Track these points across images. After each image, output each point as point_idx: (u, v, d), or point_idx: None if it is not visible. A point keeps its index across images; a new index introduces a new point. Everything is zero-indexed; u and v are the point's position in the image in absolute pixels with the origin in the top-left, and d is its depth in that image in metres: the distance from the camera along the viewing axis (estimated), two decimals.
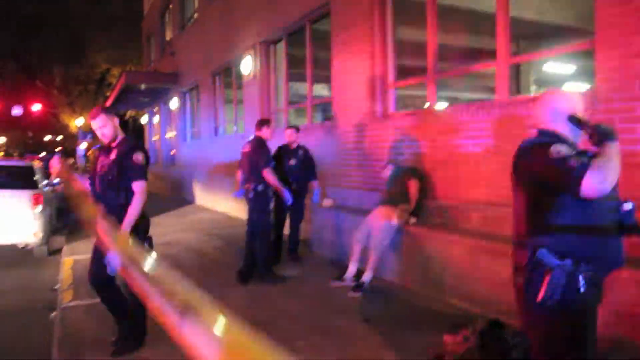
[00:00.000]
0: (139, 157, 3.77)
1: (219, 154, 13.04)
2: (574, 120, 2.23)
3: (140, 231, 3.81)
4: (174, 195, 17.06)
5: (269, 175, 5.91)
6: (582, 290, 2.10)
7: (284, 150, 6.87)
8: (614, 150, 2.07)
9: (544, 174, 2.16)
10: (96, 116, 3.81)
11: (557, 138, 2.24)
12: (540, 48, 10.26)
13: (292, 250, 6.96)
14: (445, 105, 8.42)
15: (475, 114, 5.30)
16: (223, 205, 12.46)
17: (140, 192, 3.74)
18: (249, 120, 10.98)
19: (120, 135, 3.94)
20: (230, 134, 12.98)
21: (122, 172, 3.74)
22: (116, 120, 3.90)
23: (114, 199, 3.72)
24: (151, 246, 3.99)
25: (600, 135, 2.12)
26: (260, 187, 5.93)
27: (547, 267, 2.15)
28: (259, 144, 6.06)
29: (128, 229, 3.60)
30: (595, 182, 1.97)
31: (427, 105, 6.19)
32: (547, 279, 2.13)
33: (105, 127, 3.82)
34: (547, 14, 8.88)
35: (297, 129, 6.96)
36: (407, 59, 9.55)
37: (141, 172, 3.78)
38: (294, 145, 6.89)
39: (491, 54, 5.31)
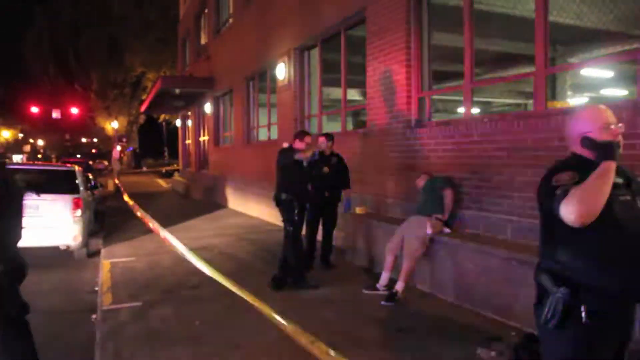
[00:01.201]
0: None
1: (251, 158, 13.17)
2: (586, 144, 2.13)
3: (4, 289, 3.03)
4: (206, 199, 17.30)
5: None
6: (585, 321, 2.01)
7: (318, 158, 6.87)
8: (597, 172, 1.96)
9: (541, 200, 2.16)
10: None
11: (582, 162, 2.12)
12: (577, 53, 10.10)
13: (325, 257, 6.99)
14: (480, 112, 8.31)
15: (511, 123, 5.24)
16: (256, 209, 12.58)
17: None
18: (282, 125, 11.06)
19: None
20: (264, 139, 13.10)
21: None
22: None
23: None
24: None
25: (598, 156, 2.04)
26: (284, 196, 5.93)
27: (546, 291, 2.13)
28: (284, 152, 6.02)
29: None
30: (567, 212, 1.92)
31: (462, 112, 6.13)
32: (547, 302, 2.10)
33: None
34: (586, 19, 8.70)
35: (330, 137, 6.99)
36: (443, 65, 9.47)
37: None
38: (328, 153, 6.92)
39: (529, 60, 5.21)
